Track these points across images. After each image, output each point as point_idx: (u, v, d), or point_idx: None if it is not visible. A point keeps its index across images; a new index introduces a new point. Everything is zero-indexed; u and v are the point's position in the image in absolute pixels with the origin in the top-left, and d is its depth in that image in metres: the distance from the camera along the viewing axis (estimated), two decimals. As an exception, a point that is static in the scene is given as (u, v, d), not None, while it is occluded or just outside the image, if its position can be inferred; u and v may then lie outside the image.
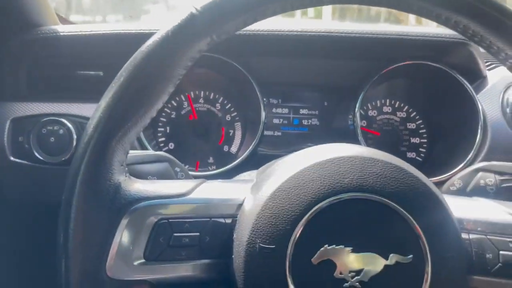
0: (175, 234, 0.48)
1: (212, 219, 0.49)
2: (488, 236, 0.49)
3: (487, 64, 0.92)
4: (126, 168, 0.51)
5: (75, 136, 0.82)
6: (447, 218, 0.48)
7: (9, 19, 0.84)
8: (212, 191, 0.52)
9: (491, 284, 0.49)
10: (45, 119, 0.82)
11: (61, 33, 0.86)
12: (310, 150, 0.52)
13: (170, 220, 0.48)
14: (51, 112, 0.84)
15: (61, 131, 0.82)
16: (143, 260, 0.48)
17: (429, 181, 0.49)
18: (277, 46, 0.88)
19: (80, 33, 0.86)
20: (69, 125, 0.82)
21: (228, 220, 0.50)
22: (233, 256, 0.47)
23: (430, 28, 0.86)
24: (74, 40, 0.86)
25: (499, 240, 0.49)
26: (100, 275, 0.47)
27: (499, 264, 0.48)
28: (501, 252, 0.49)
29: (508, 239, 0.49)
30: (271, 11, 0.49)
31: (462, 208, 0.52)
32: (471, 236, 0.49)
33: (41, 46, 0.86)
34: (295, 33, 0.85)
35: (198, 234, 0.49)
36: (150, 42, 0.47)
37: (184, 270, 0.48)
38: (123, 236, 0.47)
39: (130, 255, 0.47)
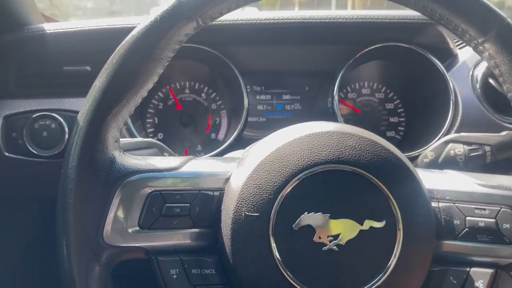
0: (167, 205, 0.52)
1: (201, 191, 0.53)
2: (456, 204, 0.53)
3: (458, 42, 0.97)
4: (120, 145, 0.54)
5: (66, 129, 0.85)
6: (417, 187, 0.51)
7: (-4, 19, 0.86)
8: (201, 166, 0.56)
9: (458, 247, 0.52)
10: (36, 114, 0.85)
11: (47, 31, 0.88)
12: (291, 127, 0.56)
13: (162, 192, 0.52)
14: (42, 108, 0.87)
15: (53, 126, 0.85)
16: (137, 228, 0.51)
17: (401, 154, 0.53)
18: (257, 34, 0.92)
19: (65, 30, 0.89)
20: (61, 119, 0.85)
21: (216, 193, 0.53)
22: (221, 225, 0.51)
23: (401, 11, 0.90)
24: (60, 37, 0.89)
25: (466, 207, 0.53)
26: (98, 241, 0.50)
27: (466, 229, 0.52)
28: (467, 218, 0.53)
29: (474, 206, 0.53)
30: None
31: (432, 180, 0.56)
32: (441, 204, 0.53)
33: (28, 45, 0.88)
34: (272, 21, 0.88)
35: (188, 205, 0.52)
36: (141, 26, 0.51)
37: (176, 238, 0.52)
38: (118, 206, 0.51)
39: (126, 223, 0.51)
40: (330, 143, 0.51)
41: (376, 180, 0.49)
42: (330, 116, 0.95)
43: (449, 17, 0.52)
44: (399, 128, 1.02)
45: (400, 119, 1.02)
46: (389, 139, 1.01)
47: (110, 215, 0.51)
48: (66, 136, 0.84)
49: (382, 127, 1.03)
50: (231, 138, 0.92)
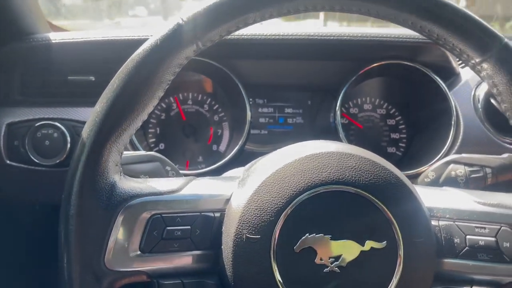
0: (168, 228, 0.52)
1: (202, 213, 0.53)
2: (456, 222, 0.53)
3: (461, 61, 0.97)
4: (121, 168, 0.54)
5: (69, 139, 0.85)
6: (417, 206, 0.52)
7: (2, 27, 0.86)
8: (201, 187, 0.56)
9: (459, 266, 0.53)
10: (39, 123, 0.85)
11: (53, 41, 0.88)
12: (291, 147, 0.56)
13: (163, 215, 0.52)
14: (45, 116, 0.87)
15: (55, 135, 0.85)
16: (139, 252, 0.51)
17: (401, 174, 0.53)
18: (261, 49, 0.92)
19: (70, 40, 0.89)
20: (63, 128, 0.85)
21: (217, 214, 0.53)
22: (222, 247, 0.51)
23: (404, 30, 0.91)
24: (65, 47, 0.89)
25: (466, 226, 0.53)
26: (99, 267, 0.50)
27: (466, 247, 0.53)
28: (467, 236, 0.53)
29: (474, 225, 0.53)
30: (251, 19, 0.52)
31: (432, 198, 0.56)
32: (441, 222, 0.54)
33: (33, 54, 0.89)
34: (277, 37, 0.88)
35: (189, 227, 0.52)
36: (140, 50, 0.51)
37: (177, 260, 0.52)
38: (120, 231, 0.51)
39: (127, 248, 0.51)
40: (330, 164, 0.51)
41: (377, 201, 0.50)
42: (331, 130, 0.95)
43: (447, 37, 0.52)
44: (400, 144, 1.03)
45: (401, 136, 1.03)
46: (389, 155, 1.02)
47: (112, 240, 0.50)
48: (68, 145, 0.85)
49: (383, 143, 1.03)
50: (233, 151, 0.92)
